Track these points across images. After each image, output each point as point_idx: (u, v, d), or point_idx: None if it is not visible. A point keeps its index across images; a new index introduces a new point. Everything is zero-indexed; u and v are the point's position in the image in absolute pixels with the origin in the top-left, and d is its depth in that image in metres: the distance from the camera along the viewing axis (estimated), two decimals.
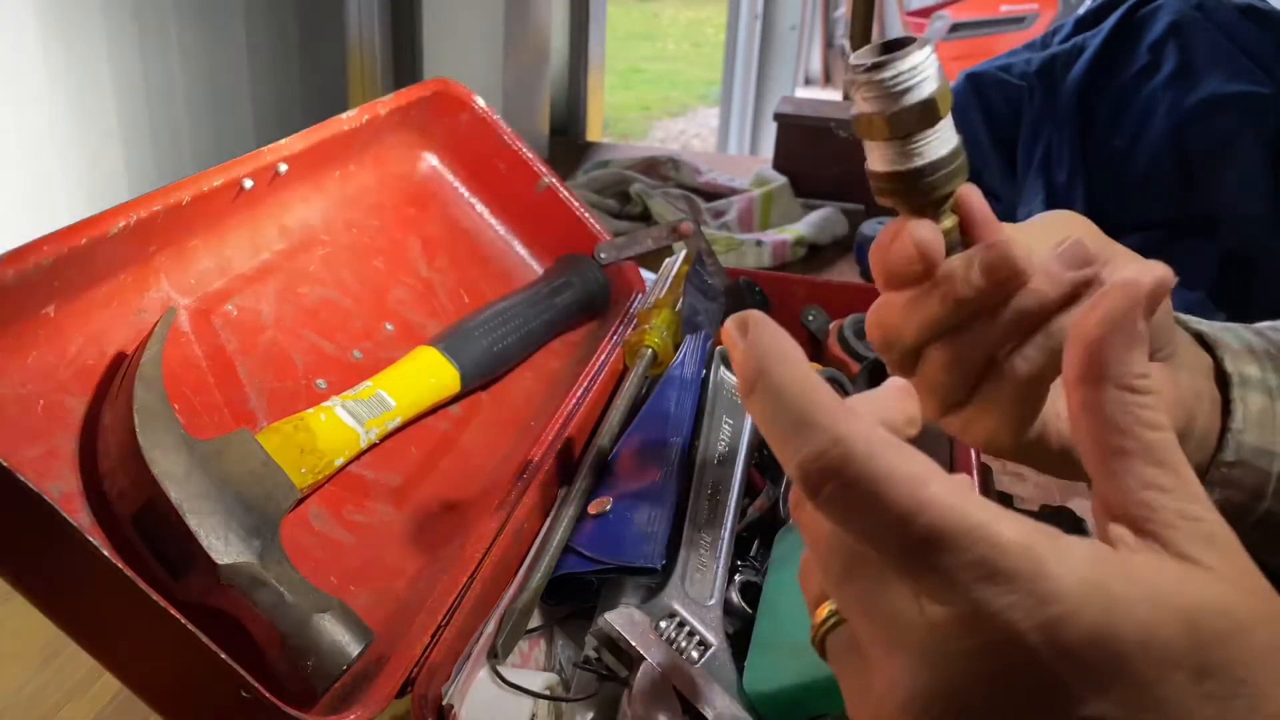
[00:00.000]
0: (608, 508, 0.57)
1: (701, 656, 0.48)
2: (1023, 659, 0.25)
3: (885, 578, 0.27)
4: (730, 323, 0.29)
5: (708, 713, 0.46)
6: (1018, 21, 4.92)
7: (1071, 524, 0.68)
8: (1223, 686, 0.25)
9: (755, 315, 0.28)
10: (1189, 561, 0.26)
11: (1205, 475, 0.46)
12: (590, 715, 0.49)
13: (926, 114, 0.35)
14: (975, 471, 0.58)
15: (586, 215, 0.83)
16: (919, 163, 0.36)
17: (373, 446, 0.59)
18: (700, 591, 0.52)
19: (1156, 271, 0.37)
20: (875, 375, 0.70)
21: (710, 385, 0.66)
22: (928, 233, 0.38)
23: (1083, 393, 0.28)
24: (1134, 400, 0.28)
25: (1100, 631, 0.24)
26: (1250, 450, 0.46)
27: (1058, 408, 0.42)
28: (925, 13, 5.38)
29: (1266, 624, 0.26)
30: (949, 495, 0.25)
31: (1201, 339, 0.48)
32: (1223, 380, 0.47)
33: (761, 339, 0.28)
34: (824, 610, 0.31)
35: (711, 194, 1.45)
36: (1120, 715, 0.24)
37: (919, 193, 0.37)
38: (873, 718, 0.27)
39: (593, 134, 1.93)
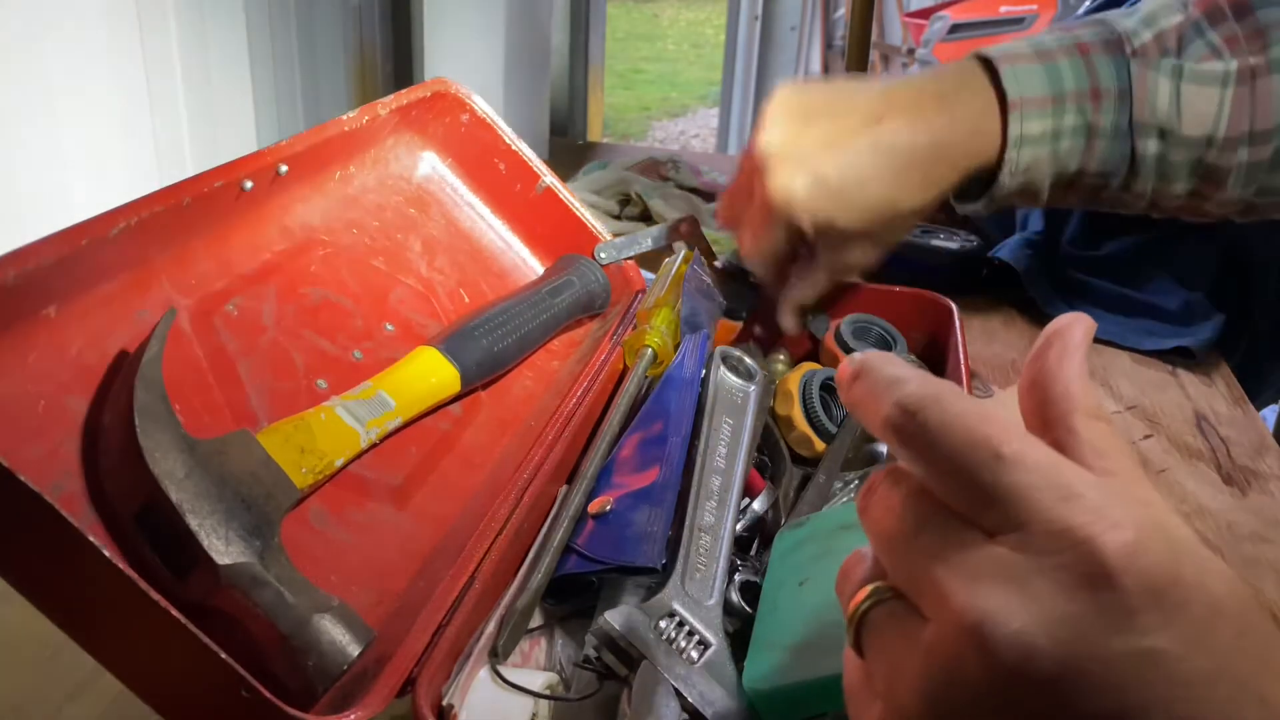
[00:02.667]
0: (608, 507, 0.57)
1: (701, 656, 0.48)
2: (1100, 578, 0.26)
3: (960, 528, 0.28)
4: (854, 365, 0.33)
5: (707, 712, 0.46)
6: (1017, 22, 4.92)
7: None
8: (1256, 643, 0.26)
9: (873, 356, 0.32)
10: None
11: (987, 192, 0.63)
12: (590, 715, 0.49)
13: None
14: None
15: (586, 215, 0.83)
16: None
17: (373, 446, 0.59)
18: (700, 591, 0.52)
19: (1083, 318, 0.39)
20: None
21: (710, 385, 0.66)
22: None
23: (1055, 430, 0.31)
24: (1105, 427, 0.31)
25: (1168, 566, 0.26)
26: (1019, 180, 0.66)
27: None
28: (925, 13, 5.38)
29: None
30: (1029, 438, 0.28)
31: (1003, 97, 0.63)
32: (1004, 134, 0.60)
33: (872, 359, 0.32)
34: (863, 594, 0.32)
35: (711, 194, 1.45)
36: (1178, 651, 0.25)
37: None
38: (922, 672, 0.28)
39: (593, 134, 1.93)
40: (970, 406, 0.28)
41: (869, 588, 0.31)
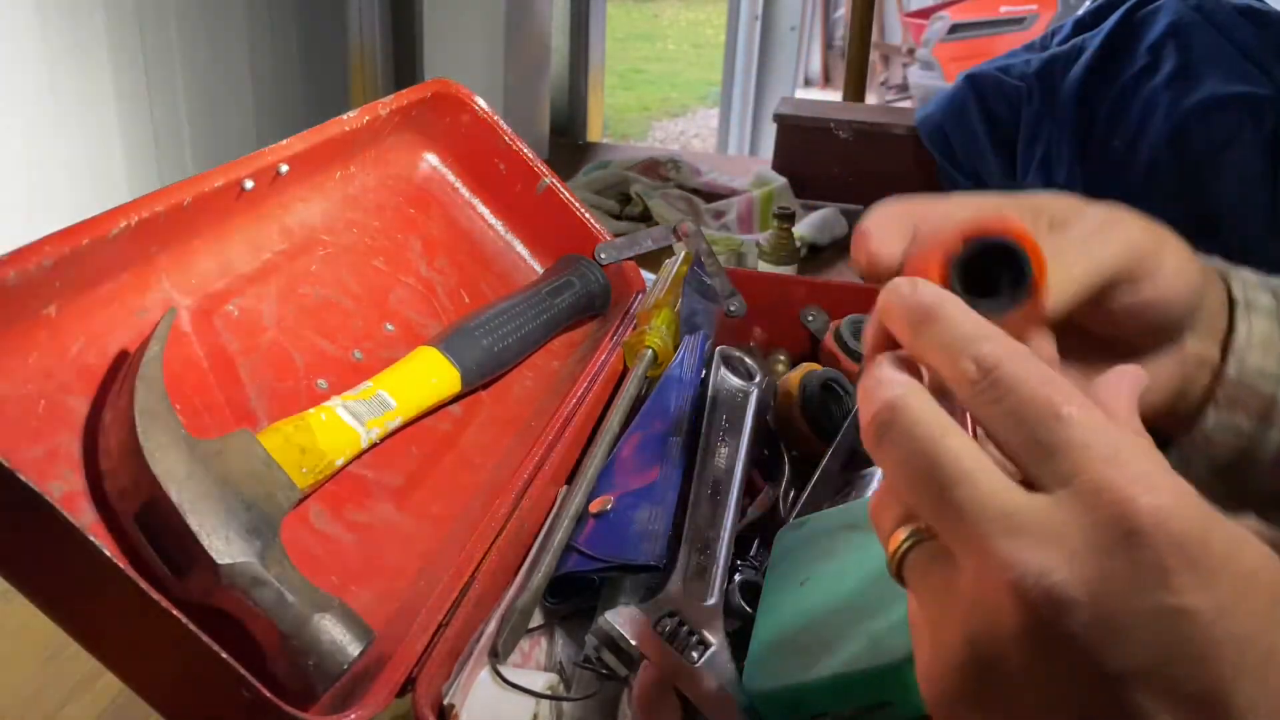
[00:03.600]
0: (609, 506, 0.57)
1: (701, 656, 0.49)
2: (1135, 537, 0.27)
3: (999, 481, 0.30)
4: (898, 283, 0.35)
5: (707, 711, 0.46)
6: (1017, 22, 4.92)
7: None
8: None
9: (923, 283, 0.34)
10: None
11: (1212, 397, 0.49)
12: (591, 715, 0.49)
13: None
14: None
15: (586, 215, 0.83)
16: None
17: (373, 446, 0.59)
18: (700, 591, 0.52)
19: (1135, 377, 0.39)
20: None
21: (710, 385, 0.66)
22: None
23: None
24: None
25: (1201, 531, 0.27)
26: (1253, 371, 0.49)
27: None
28: (925, 13, 5.38)
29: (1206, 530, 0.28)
30: (1086, 402, 0.30)
31: (1223, 276, 0.52)
32: (1230, 307, 0.50)
33: (929, 287, 0.34)
34: (900, 535, 0.32)
35: (711, 194, 1.45)
36: (1211, 614, 0.26)
37: None
38: (963, 617, 0.29)
39: (593, 134, 1.93)
40: (1037, 369, 0.30)
41: (905, 530, 0.32)
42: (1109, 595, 0.27)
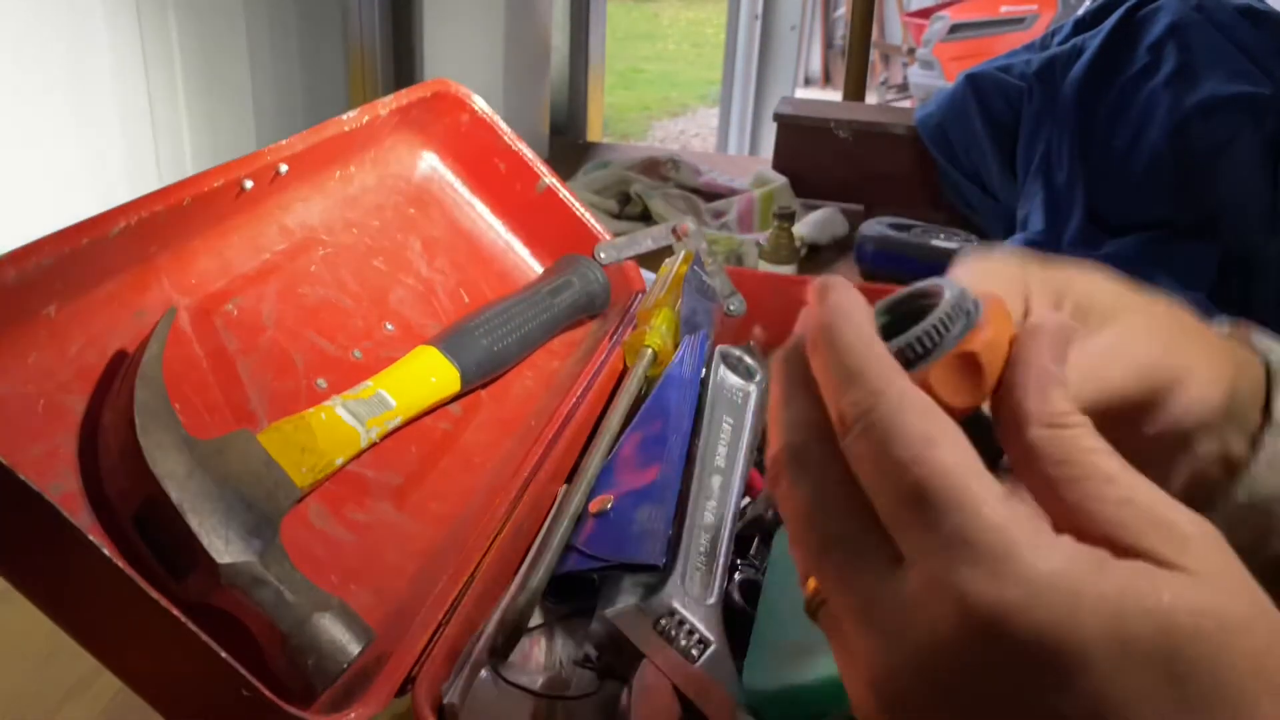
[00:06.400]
0: (609, 505, 0.57)
1: (701, 655, 0.48)
2: (979, 638, 0.24)
3: (861, 549, 0.27)
4: (816, 281, 0.31)
5: (707, 711, 0.46)
6: (1018, 22, 4.92)
7: None
8: (1202, 693, 0.24)
9: (837, 279, 0.31)
10: (1170, 567, 0.25)
11: (1214, 508, 0.42)
12: (590, 714, 0.49)
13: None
14: None
15: (586, 215, 0.83)
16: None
17: (373, 446, 0.59)
18: (700, 590, 0.52)
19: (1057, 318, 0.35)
20: None
21: (710, 385, 0.66)
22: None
23: (1015, 447, 0.29)
24: (1066, 434, 0.28)
25: (1061, 625, 0.24)
26: (1264, 498, 0.41)
27: None
28: (925, 13, 5.39)
29: (1252, 626, 0.25)
30: (952, 460, 0.26)
31: (1269, 369, 0.43)
32: (1268, 414, 0.42)
33: (838, 298, 0.30)
34: (812, 584, 0.31)
35: (711, 194, 1.45)
36: (1080, 714, 0.24)
37: None
38: (854, 691, 0.28)
39: (593, 134, 1.93)
40: (913, 426, 0.27)
41: (814, 582, 0.31)
42: (937, 697, 0.25)
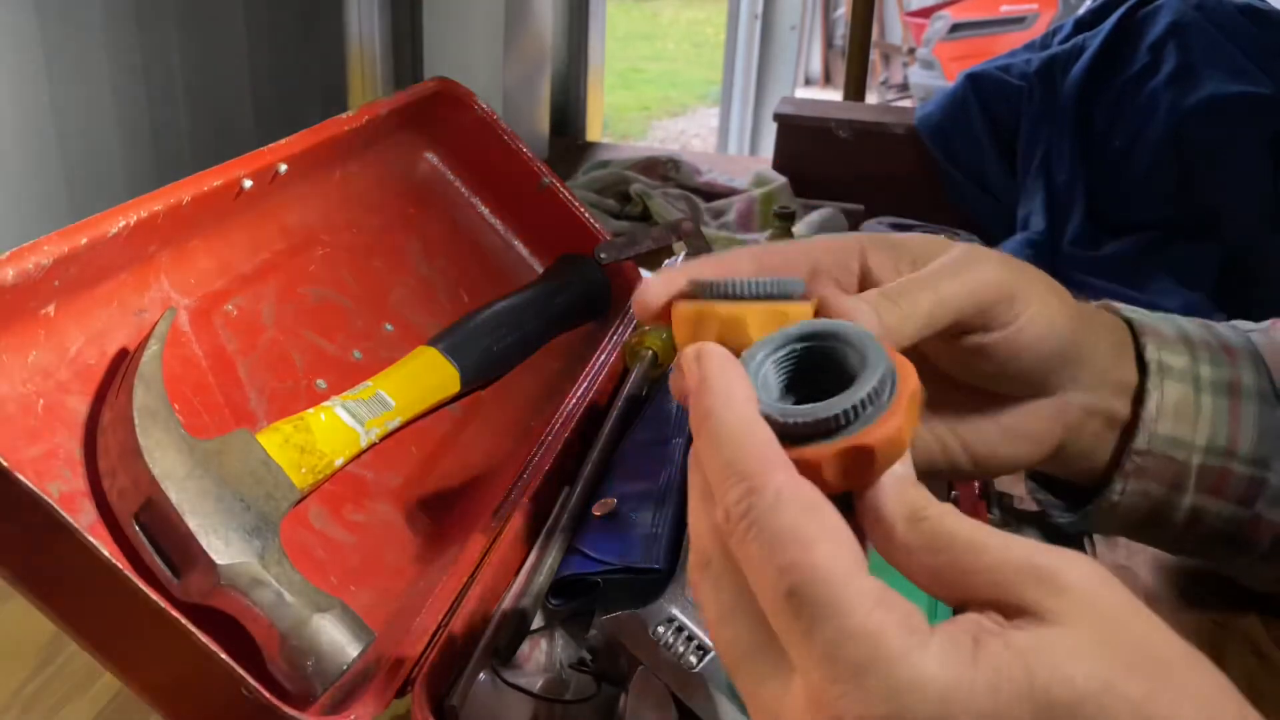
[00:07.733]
0: (613, 508, 0.57)
1: (700, 661, 0.48)
2: None
3: (765, 658, 0.27)
4: (688, 352, 0.30)
5: (706, 718, 0.46)
6: (1018, 22, 4.92)
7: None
8: None
9: (708, 348, 0.29)
10: (1045, 622, 0.25)
11: (1119, 465, 0.47)
12: (589, 718, 0.49)
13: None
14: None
15: (586, 215, 0.83)
16: None
17: (373, 446, 0.59)
18: None
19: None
20: None
21: None
22: None
23: (889, 548, 0.29)
24: (927, 525, 0.28)
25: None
26: (1163, 440, 0.46)
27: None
28: (925, 13, 5.39)
29: (1133, 671, 0.25)
30: (826, 564, 0.26)
31: (1131, 326, 0.49)
32: (1143, 369, 0.47)
33: (713, 377, 0.29)
34: None
35: (711, 194, 1.45)
36: None
37: None
38: None
39: (593, 134, 1.93)
40: (795, 522, 0.26)
41: None
42: None
